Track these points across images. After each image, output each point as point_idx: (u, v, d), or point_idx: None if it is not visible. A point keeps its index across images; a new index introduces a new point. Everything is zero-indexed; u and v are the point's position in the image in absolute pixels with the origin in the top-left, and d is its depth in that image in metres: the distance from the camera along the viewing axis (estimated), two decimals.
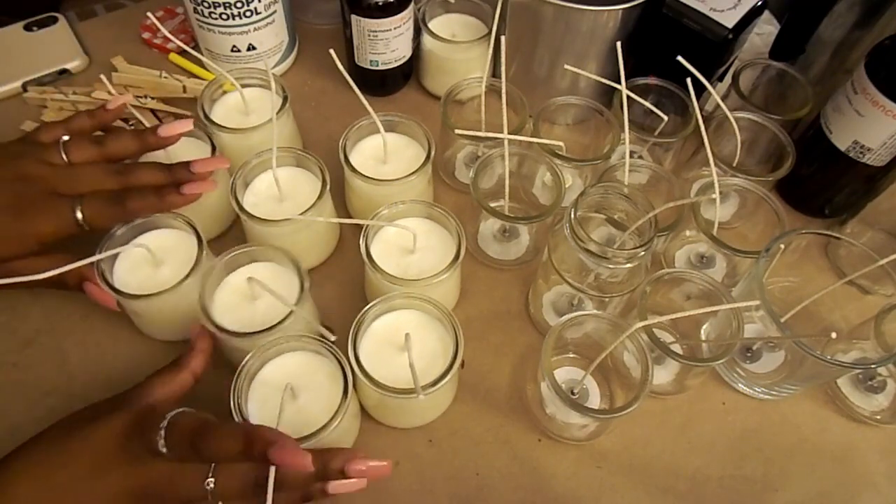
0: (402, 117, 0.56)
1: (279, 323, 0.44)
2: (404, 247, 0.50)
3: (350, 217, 0.59)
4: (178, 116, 0.65)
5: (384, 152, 0.55)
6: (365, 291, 0.54)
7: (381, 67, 0.65)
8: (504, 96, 0.52)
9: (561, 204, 0.51)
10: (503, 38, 0.51)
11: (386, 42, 0.62)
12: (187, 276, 0.46)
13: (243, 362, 0.43)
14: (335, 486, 0.39)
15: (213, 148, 0.54)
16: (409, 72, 0.69)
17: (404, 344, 0.41)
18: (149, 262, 0.48)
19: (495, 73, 0.69)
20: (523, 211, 0.59)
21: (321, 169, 0.52)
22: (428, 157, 0.54)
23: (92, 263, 0.45)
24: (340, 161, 0.53)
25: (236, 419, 0.41)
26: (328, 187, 0.52)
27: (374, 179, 0.52)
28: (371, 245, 0.49)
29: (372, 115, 0.53)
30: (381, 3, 0.59)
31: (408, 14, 0.61)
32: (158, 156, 0.53)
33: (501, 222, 0.58)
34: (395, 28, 0.61)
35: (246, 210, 0.50)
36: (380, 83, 0.68)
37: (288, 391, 0.42)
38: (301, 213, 0.49)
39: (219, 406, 0.41)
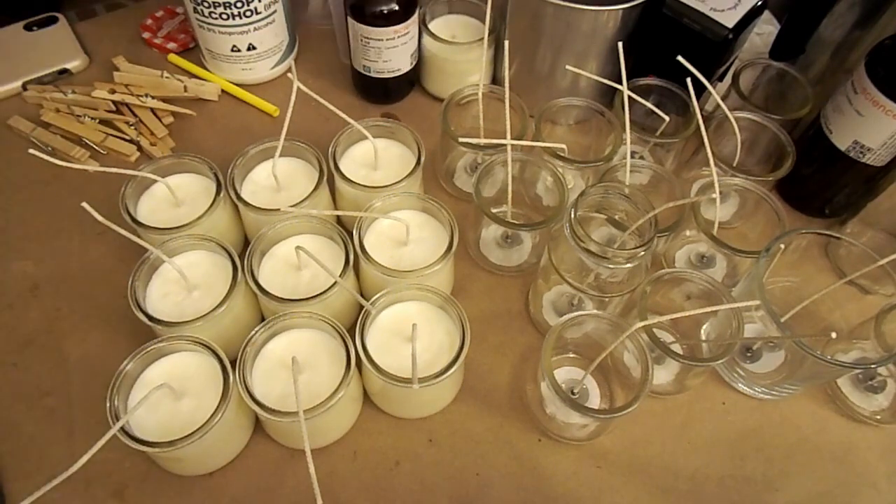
0: (391, 123, 0.56)
1: (323, 293, 0.45)
2: (397, 239, 0.51)
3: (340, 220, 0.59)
4: (177, 115, 0.65)
5: (374, 158, 0.55)
6: (360, 285, 0.54)
7: (373, 74, 0.64)
8: (507, 102, 0.52)
9: (565, 209, 0.51)
10: (507, 44, 0.51)
11: (378, 51, 0.61)
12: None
13: (251, 334, 0.44)
14: None
15: None
16: (412, 80, 0.68)
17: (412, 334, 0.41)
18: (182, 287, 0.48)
19: (496, 78, 0.70)
20: (526, 216, 0.59)
21: (318, 160, 0.53)
22: (418, 162, 0.53)
23: None
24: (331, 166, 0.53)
25: (240, 389, 0.41)
26: (325, 178, 0.52)
27: (363, 186, 0.52)
28: (364, 237, 0.49)
29: (354, 124, 0.53)
30: (376, 13, 0.58)
31: (403, 28, 0.60)
32: (166, 198, 0.52)
33: (504, 228, 0.58)
34: (387, 39, 0.60)
35: (243, 198, 0.51)
36: (382, 91, 0.67)
37: (294, 364, 0.42)
38: (293, 205, 0.50)
39: None
